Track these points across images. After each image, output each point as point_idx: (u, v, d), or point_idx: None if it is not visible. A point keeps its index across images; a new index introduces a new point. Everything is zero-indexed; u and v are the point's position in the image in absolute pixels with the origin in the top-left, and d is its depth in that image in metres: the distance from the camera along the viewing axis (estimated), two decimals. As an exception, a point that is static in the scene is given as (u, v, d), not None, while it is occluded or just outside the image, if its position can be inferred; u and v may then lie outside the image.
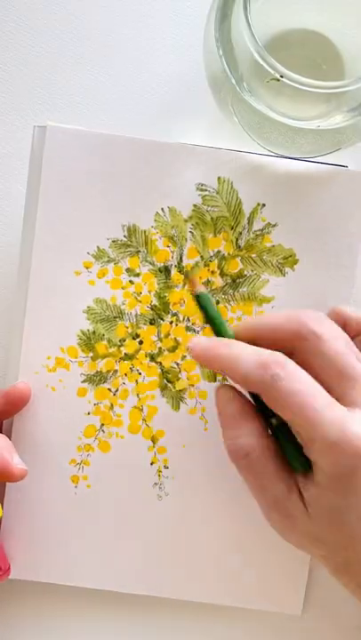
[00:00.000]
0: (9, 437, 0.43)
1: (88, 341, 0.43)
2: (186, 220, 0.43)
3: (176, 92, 0.45)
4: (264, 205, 0.42)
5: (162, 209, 0.42)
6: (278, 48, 0.38)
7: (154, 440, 0.43)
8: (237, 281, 0.43)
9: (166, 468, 0.43)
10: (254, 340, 0.36)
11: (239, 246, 0.43)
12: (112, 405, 0.43)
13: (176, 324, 0.43)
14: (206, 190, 0.42)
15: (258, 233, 0.43)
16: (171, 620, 0.45)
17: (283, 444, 0.35)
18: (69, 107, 0.45)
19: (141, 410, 0.43)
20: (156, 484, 0.44)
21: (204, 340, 0.36)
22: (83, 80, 0.45)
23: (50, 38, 0.45)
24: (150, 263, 0.43)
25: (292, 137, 0.38)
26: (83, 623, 0.45)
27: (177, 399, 0.43)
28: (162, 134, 0.45)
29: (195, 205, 0.42)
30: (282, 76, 0.35)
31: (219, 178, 0.42)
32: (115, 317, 0.43)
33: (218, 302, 0.43)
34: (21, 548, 0.44)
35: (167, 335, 0.43)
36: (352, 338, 0.36)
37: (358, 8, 0.38)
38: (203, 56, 0.40)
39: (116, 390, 0.43)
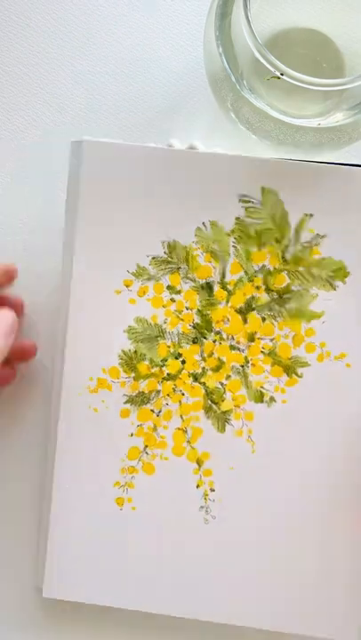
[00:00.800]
0: (52, 458, 0.42)
1: (130, 361, 0.42)
2: (228, 234, 0.40)
3: (176, 92, 0.44)
4: (312, 216, 0.40)
5: (203, 223, 0.41)
6: (278, 46, 0.38)
7: (199, 462, 0.42)
8: (284, 296, 0.41)
9: (213, 490, 0.42)
10: None
11: (286, 260, 0.40)
12: (155, 427, 0.42)
13: (220, 343, 0.41)
14: (250, 202, 0.40)
15: (306, 245, 0.40)
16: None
17: None
18: (71, 108, 0.44)
19: (185, 431, 0.42)
20: (202, 507, 0.42)
21: None
22: (84, 81, 0.44)
23: (50, 38, 0.44)
24: (192, 280, 0.41)
25: (293, 135, 0.37)
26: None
27: (222, 420, 0.42)
28: (162, 134, 0.43)
29: (237, 218, 0.40)
30: (282, 74, 0.35)
31: (263, 188, 0.40)
32: (156, 336, 0.42)
33: (264, 319, 0.41)
34: (67, 569, 0.43)
35: (210, 354, 0.41)
36: None
37: (358, 6, 0.37)
38: (203, 55, 0.39)
39: (160, 411, 0.42)
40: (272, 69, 0.35)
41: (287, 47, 0.38)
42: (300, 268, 0.40)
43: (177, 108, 0.44)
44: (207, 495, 0.42)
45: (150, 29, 0.44)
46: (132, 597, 0.43)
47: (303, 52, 0.38)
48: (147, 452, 0.42)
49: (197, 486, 0.42)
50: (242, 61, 0.37)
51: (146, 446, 0.42)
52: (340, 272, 0.40)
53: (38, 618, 0.45)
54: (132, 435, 0.42)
